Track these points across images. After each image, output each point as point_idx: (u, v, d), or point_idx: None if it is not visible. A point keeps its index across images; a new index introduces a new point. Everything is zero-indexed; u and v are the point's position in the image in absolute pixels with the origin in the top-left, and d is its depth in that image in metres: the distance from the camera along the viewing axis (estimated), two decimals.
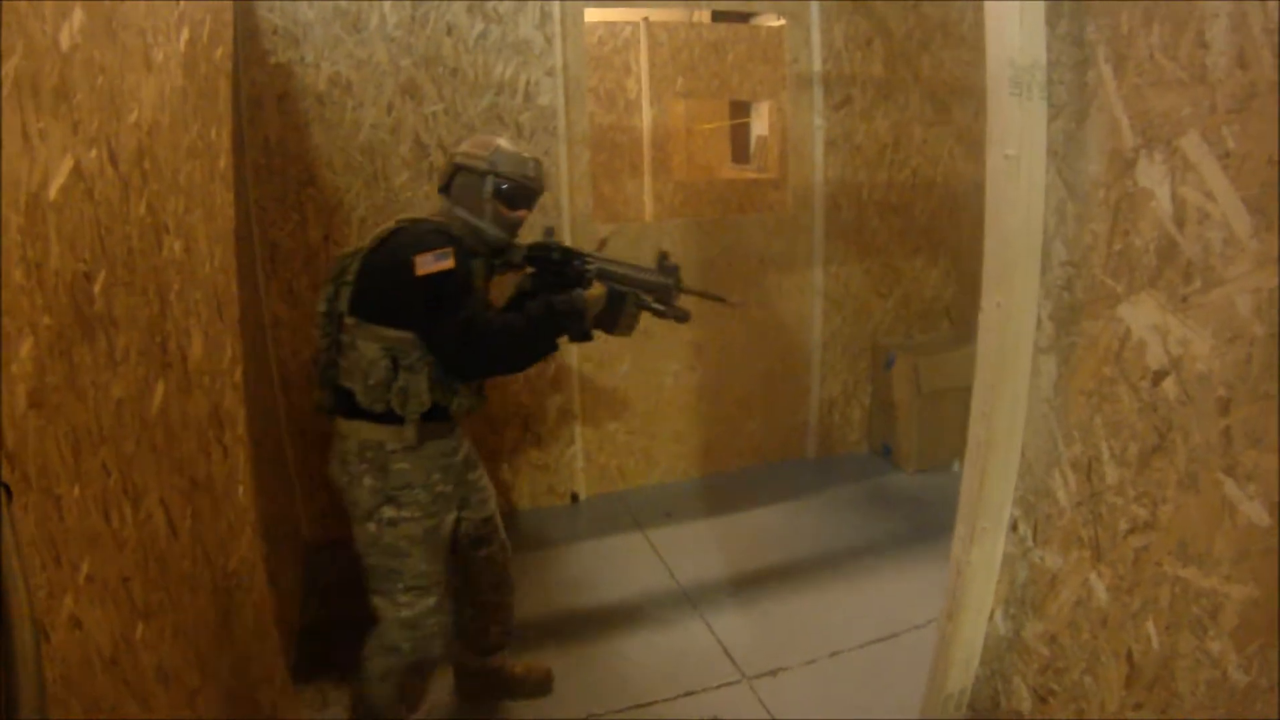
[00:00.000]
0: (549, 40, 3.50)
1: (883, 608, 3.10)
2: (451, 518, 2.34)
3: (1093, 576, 1.43)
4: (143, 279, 1.45)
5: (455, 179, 2.29)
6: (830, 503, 4.08)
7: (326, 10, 3.21)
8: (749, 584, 3.32)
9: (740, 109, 7.93)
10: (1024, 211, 1.51)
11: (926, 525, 3.73)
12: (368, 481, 2.20)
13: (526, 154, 2.30)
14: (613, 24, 5.70)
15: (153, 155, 1.58)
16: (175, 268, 1.66)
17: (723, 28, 6.13)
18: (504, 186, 2.25)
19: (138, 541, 1.29)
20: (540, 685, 2.67)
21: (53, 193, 1.08)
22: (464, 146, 2.32)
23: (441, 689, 2.67)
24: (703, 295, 2.40)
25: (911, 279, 4.55)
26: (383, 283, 2.14)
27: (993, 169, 1.54)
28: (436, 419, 2.21)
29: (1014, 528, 1.63)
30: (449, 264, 2.07)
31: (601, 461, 4.18)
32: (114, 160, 1.34)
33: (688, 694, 2.65)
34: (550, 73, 3.54)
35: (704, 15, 6.80)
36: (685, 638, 2.97)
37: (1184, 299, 1.23)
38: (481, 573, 2.51)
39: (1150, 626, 1.31)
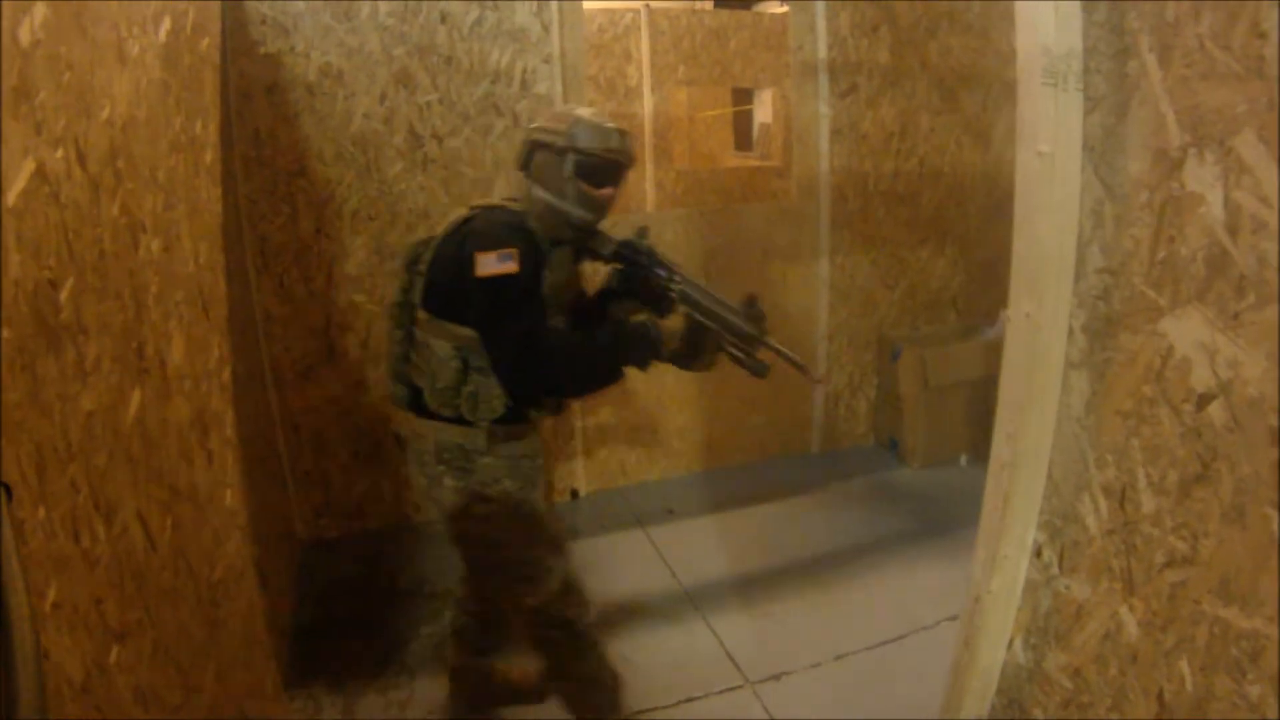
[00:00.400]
0: (546, 27, 3.42)
1: (889, 608, 3.05)
2: (538, 495, 2.22)
3: (1123, 610, 1.34)
4: (116, 283, 1.39)
5: (533, 157, 2.10)
6: (835, 499, 4.02)
7: None
8: (752, 583, 3.26)
9: (743, 96, 7.85)
10: (1058, 214, 1.39)
11: (933, 521, 3.69)
12: (449, 482, 2.09)
13: (610, 124, 2.08)
14: (613, 10, 5.65)
15: (127, 153, 1.52)
16: (153, 268, 1.60)
17: (725, 14, 6.07)
18: (586, 163, 2.04)
19: (112, 559, 1.24)
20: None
21: (11, 198, 1.02)
22: (540, 120, 2.13)
23: (439, 691, 2.62)
24: (783, 356, 2.09)
25: (918, 270, 4.48)
26: (446, 277, 2.02)
27: (1024, 167, 1.41)
28: (513, 421, 2.08)
29: (1038, 553, 1.53)
30: (512, 267, 1.91)
31: (602, 457, 4.12)
32: (83, 160, 1.28)
33: (689, 700, 2.60)
34: (547, 60, 3.46)
35: (706, 1, 6.73)
36: (687, 640, 2.92)
37: (1235, 316, 1.12)
38: None
39: (1184, 666, 1.22)
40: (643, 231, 2.22)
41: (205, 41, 2.40)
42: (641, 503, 3.99)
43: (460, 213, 2.10)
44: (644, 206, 5.91)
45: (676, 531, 3.72)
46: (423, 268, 2.08)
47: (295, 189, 3.27)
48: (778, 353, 2.08)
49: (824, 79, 4.03)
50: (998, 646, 1.58)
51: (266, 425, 3.25)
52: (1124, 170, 1.31)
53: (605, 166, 2.07)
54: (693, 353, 2.08)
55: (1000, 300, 4.46)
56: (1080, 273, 1.41)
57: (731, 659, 2.80)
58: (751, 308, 2.04)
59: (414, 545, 3.56)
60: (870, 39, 4.06)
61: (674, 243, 3.89)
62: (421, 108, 3.34)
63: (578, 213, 2.07)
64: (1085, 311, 1.41)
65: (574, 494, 4.07)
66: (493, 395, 2.01)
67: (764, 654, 2.81)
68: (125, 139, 1.51)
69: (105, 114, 1.41)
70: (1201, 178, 1.16)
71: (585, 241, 2.17)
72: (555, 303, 2.10)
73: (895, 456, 4.44)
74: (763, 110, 7.70)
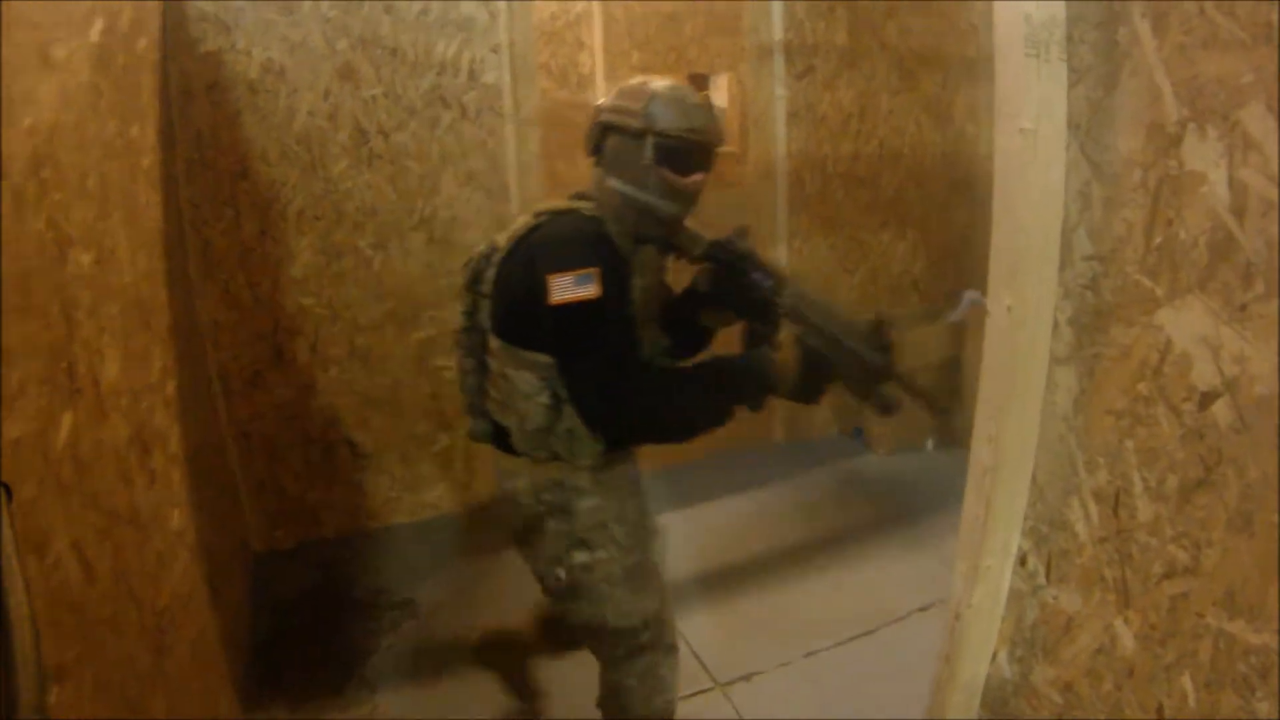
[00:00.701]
0: (493, 16, 3.35)
1: (859, 601, 3.03)
2: (657, 546, 2.02)
3: (1118, 623, 1.27)
4: (41, 300, 1.32)
5: (606, 142, 1.82)
6: (800, 490, 3.98)
7: None
8: (718, 581, 3.22)
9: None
10: (1041, 196, 1.27)
11: (902, 509, 3.68)
12: (550, 525, 1.86)
13: (692, 98, 1.79)
14: None
15: (54, 161, 1.44)
16: (83, 282, 1.53)
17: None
18: (668, 147, 1.75)
19: (45, 594, 1.17)
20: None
21: None
22: (612, 99, 1.82)
23: (401, 706, 2.56)
24: (919, 396, 1.79)
25: (879, 253, 4.46)
26: (514, 301, 1.77)
27: (1004, 146, 1.28)
28: (614, 447, 1.84)
29: (1022, 562, 1.45)
30: (592, 291, 1.64)
31: None
32: (2, 173, 1.20)
33: None
34: (495, 49, 3.38)
35: None
36: None
37: (1242, 306, 1.03)
38: None
39: (1186, 681, 1.15)
40: (741, 231, 1.96)
41: (143, 42, 2.31)
42: None
43: (525, 220, 1.84)
44: None
45: None
46: (486, 288, 1.85)
47: (239, 191, 3.16)
48: (911, 392, 1.79)
49: (780, 61, 3.99)
50: (980, 660, 1.52)
51: (216, 436, 3.15)
52: (1114, 148, 1.20)
53: (691, 149, 1.78)
54: (811, 385, 1.83)
55: (962, 282, 4.46)
56: (1066, 260, 1.31)
57: (699, 659, 2.75)
58: (880, 336, 1.75)
59: (371, 553, 3.48)
60: (827, 20, 4.02)
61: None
62: (366, 102, 3.25)
63: (663, 205, 1.81)
64: (1072, 303, 1.31)
65: None
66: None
67: (732, 654, 2.77)
68: (51, 147, 1.44)
69: (27, 122, 1.33)
70: (1203, 155, 1.06)
71: (672, 238, 1.92)
72: (645, 312, 1.89)
73: (861, 444, 4.43)
74: (719, 96, 7.66)
